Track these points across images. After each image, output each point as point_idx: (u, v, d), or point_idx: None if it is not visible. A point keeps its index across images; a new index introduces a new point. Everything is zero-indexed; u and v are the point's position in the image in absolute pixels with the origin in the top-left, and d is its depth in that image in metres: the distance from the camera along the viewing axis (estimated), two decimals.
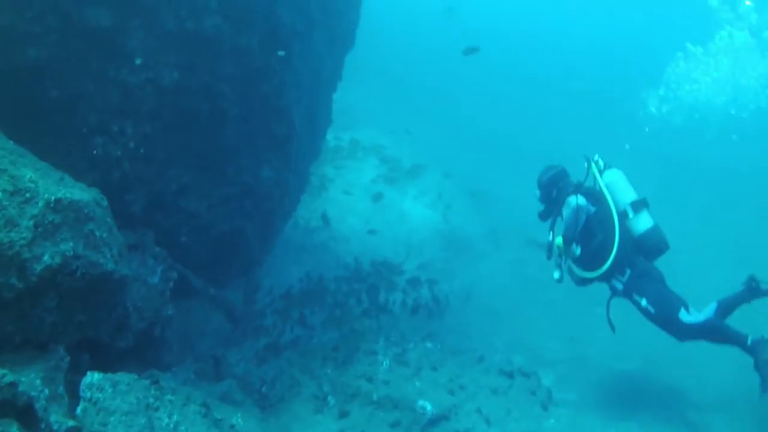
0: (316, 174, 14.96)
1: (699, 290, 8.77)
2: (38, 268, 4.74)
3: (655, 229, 8.50)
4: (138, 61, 7.06)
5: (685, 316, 7.92)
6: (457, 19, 24.35)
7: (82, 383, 5.15)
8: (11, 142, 5.43)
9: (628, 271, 8.35)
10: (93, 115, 6.96)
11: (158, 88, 7.34)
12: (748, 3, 19.73)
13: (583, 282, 8.75)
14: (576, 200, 8.43)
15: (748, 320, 8.04)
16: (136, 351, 6.80)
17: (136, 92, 7.18)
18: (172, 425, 5.64)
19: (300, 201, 12.01)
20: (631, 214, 8.48)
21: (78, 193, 5.35)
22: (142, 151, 7.38)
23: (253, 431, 6.76)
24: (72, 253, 5.05)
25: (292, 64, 8.92)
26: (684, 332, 7.99)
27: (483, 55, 18.07)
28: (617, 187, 8.64)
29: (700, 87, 20.53)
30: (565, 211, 8.46)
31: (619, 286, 8.41)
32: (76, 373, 5.35)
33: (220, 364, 8.20)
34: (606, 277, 8.49)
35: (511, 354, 10.08)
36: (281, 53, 8.44)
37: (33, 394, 4.30)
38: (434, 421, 7.77)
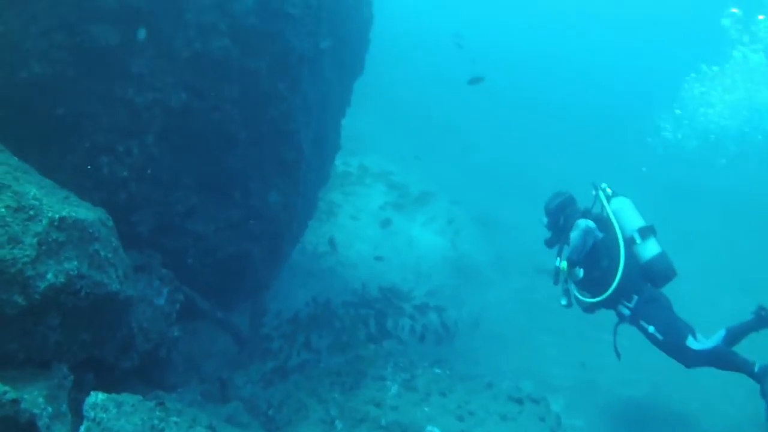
0: (324, 200, 14.94)
1: (707, 317, 8.76)
2: (42, 286, 4.70)
3: (662, 256, 8.48)
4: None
5: (692, 343, 7.91)
6: (465, 46, 24.36)
7: (86, 403, 5.09)
8: (16, 158, 5.43)
9: (636, 297, 8.34)
10: (99, 134, 6.97)
11: (165, 109, 7.36)
12: (761, 18, 19.62)
13: (590, 309, 8.71)
14: (585, 223, 8.42)
15: (755, 346, 8.00)
16: (142, 371, 6.78)
17: (143, 113, 7.19)
18: None
19: (308, 226, 11.98)
20: (638, 240, 8.48)
21: (83, 212, 5.33)
22: (149, 171, 7.38)
23: None
24: (76, 272, 5.02)
25: (300, 89, 8.92)
26: (691, 359, 7.97)
27: (491, 83, 18.13)
28: (625, 213, 8.65)
29: (714, 110, 20.47)
30: (573, 233, 8.43)
31: (627, 312, 8.40)
32: (80, 391, 5.31)
33: (227, 386, 8.15)
34: (612, 304, 8.47)
35: (519, 380, 10.04)
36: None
37: (36, 411, 4.27)
38: None
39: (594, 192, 8.94)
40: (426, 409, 8.31)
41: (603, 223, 8.66)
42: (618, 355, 8.52)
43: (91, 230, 5.30)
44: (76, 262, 5.04)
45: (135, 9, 6.89)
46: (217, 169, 8.20)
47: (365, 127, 19.56)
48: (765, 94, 19.91)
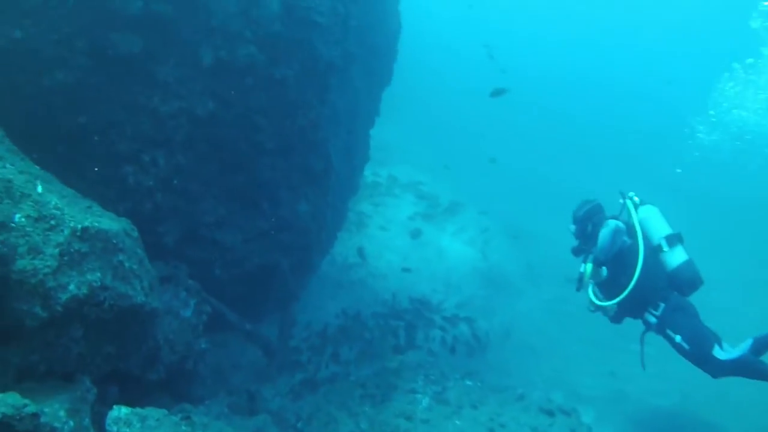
0: (354, 210, 14.92)
1: (734, 326, 8.66)
2: (63, 297, 4.59)
3: (689, 264, 8.39)
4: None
5: (719, 353, 7.87)
6: (495, 57, 24.28)
7: (109, 417, 5.00)
8: (37, 167, 5.34)
9: (662, 305, 8.29)
10: (123, 143, 6.91)
11: (192, 118, 7.29)
12: None
13: (616, 318, 8.66)
14: (616, 223, 8.35)
15: None
16: (168, 384, 6.70)
17: (168, 122, 7.13)
18: None
19: (337, 237, 11.92)
20: (665, 248, 8.41)
21: (107, 222, 5.24)
22: (175, 182, 7.31)
23: None
24: (99, 283, 4.91)
25: (329, 97, 8.85)
26: (718, 369, 7.91)
27: (520, 93, 18.01)
28: (652, 221, 8.62)
29: (748, 111, 20.11)
30: (603, 230, 8.36)
31: (653, 321, 8.36)
32: (103, 404, 5.22)
33: (255, 399, 8.07)
34: (639, 312, 8.44)
35: (550, 391, 10.01)
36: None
37: (56, 425, 4.18)
38: None
39: (621, 200, 8.84)
40: (457, 422, 8.21)
41: (630, 230, 8.55)
42: (643, 366, 8.46)
43: (115, 241, 5.20)
44: (99, 274, 4.94)
45: (159, 16, 6.84)
46: (245, 178, 8.12)
47: (394, 137, 19.56)
48: None
